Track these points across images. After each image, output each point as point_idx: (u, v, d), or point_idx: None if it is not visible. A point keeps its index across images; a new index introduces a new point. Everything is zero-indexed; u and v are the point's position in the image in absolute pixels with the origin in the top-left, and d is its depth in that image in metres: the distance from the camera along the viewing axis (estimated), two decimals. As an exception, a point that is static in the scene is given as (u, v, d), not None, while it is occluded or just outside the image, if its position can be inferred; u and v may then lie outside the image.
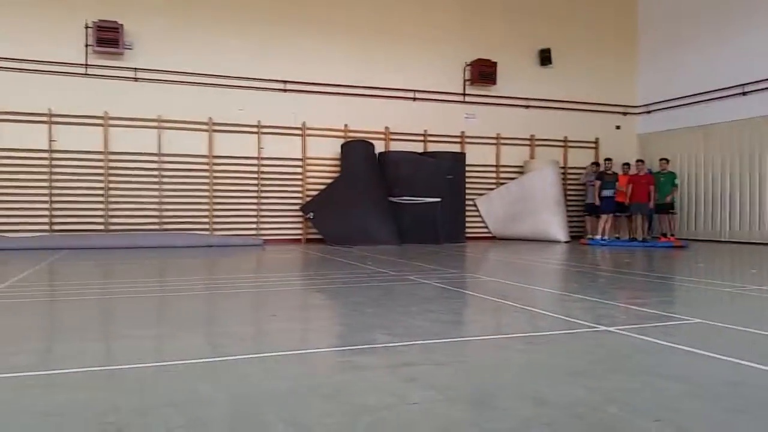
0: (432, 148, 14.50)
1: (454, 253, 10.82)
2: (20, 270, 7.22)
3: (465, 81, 14.96)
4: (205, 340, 3.69)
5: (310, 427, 2.08)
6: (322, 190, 13.24)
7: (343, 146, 13.51)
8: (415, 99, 14.52)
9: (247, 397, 2.41)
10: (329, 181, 13.42)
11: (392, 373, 2.76)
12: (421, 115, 14.54)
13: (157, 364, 2.95)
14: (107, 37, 11.79)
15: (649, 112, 16.26)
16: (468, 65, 14.88)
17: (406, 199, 13.23)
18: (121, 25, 11.92)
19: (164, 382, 2.66)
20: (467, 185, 14.51)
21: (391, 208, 13.13)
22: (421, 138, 14.61)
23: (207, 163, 12.89)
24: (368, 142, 13.65)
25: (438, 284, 6.00)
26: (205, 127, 12.86)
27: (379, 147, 13.92)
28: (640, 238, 13.06)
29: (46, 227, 11.83)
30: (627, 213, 13.63)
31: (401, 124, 14.34)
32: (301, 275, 7.81)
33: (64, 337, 3.76)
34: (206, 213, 12.90)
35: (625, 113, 16.51)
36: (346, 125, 13.90)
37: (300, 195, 13.55)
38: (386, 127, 14.26)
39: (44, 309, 4.97)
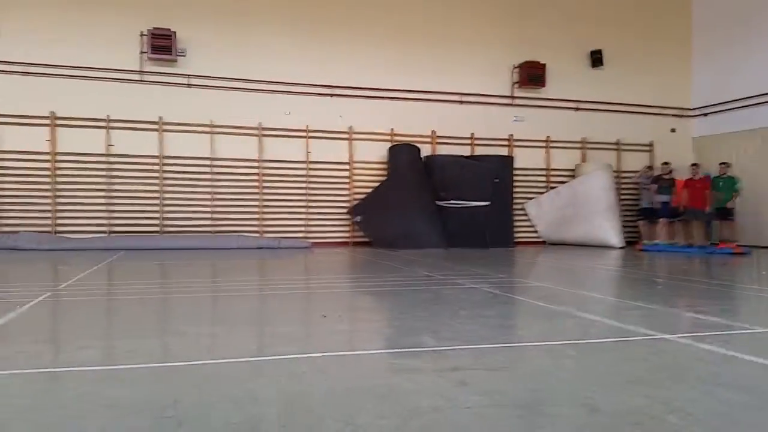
0: (479, 151, 14.41)
1: (502, 257, 10.70)
2: (81, 270, 7.53)
3: (513, 83, 14.81)
4: (258, 339, 3.77)
5: (364, 428, 2.10)
6: (369, 194, 13.31)
7: (389, 150, 13.56)
8: (461, 102, 14.46)
9: (301, 396, 2.45)
10: (376, 184, 13.49)
11: (442, 377, 2.75)
12: (468, 118, 14.46)
13: (213, 362, 3.03)
14: (161, 44, 12.21)
15: (705, 114, 15.70)
16: (516, 68, 14.72)
17: (453, 203, 13.17)
18: (174, 32, 12.32)
19: (220, 379, 2.73)
20: (516, 189, 14.35)
21: (438, 211, 13.10)
22: (468, 141, 14.53)
23: (257, 167, 13.17)
24: (414, 145, 13.66)
25: (487, 289, 5.94)
26: (255, 131, 13.15)
27: (426, 150, 13.93)
28: (698, 245, 12.61)
29: (105, 229, 12.31)
30: (682, 218, 13.20)
31: (448, 128, 14.29)
32: (348, 278, 7.88)
33: (125, 334, 3.90)
34: (256, 216, 13.18)
35: (680, 116, 16.00)
36: (392, 129, 13.95)
37: (347, 198, 13.67)
38: (432, 131, 14.25)
39: (105, 307, 5.17)
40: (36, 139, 11.92)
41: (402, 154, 13.42)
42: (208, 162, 12.89)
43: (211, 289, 6.45)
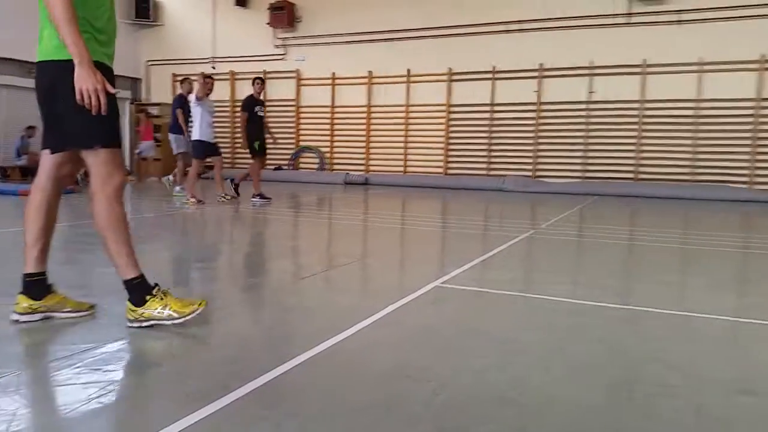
0: None
1: None
2: (557, 212, 8.09)
3: None
4: (743, 299, 3.33)
5: None
6: None
7: None
8: None
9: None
10: None
11: None
12: None
13: (693, 314, 2.82)
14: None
15: None
16: None
17: None
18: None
19: (705, 333, 2.52)
20: None
21: None
22: None
23: (753, 108, 11.33)
24: None
25: None
26: (755, 65, 11.27)
27: None
28: None
29: (579, 174, 12.82)
30: None
31: None
32: None
33: (599, 275, 4.00)
34: (747, 164, 11.46)
35: None
36: None
37: None
38: None
39: (577, 247, 5.43)
40: (525, 91, 13.17)
41: None
42: (692, 104, 11.79)
43: (684, 241, 5.97)
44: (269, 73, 15.51)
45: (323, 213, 7.74)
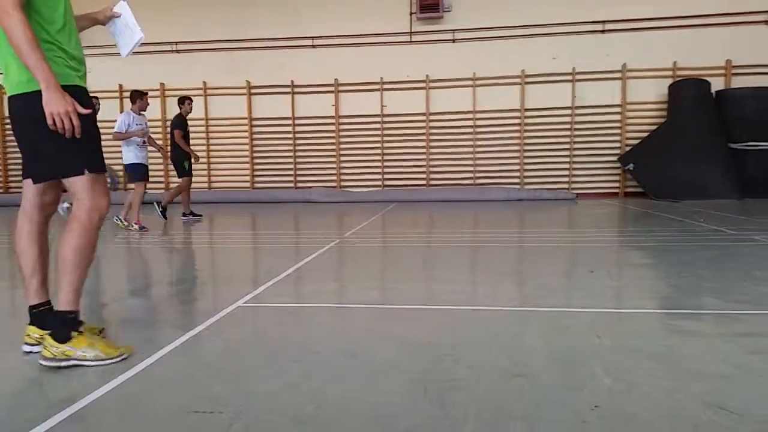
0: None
1: (817, 209, 8.83)
2: (361, 220, 8.44)
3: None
4: (520, 289, 3.79)
5: (638, 385, 1.99)
6: (643, 139, 12.17)
7: (671, 87, 12.11)
8: None
9: (568, 348, 2.42)
10: (653, 128, 12.25)
11: (730, 343, 2.44)
12: (773, 42, 12.04)
13: (479, 308, 3.15)
14: (429, 3, 12.66)
15: None
16: None
17: (751, 145, 11.26)
18: (440, -12, 12.63)
19: (488, 325, 2.83)
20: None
21: (730, 156, 11.35)
22: (775, 70, 12.13)
23: (519, 117, 12.99)
24: (703, 80, 11.93)
25: (794, 246, 4.99)
26: (517, 80, 12.92)
27: (717, 85, 12.05)
28: None
29: (379, 183, 13.54)
30: None
31: (748, 56, 12.10)
32: (619, 231, 7.37)
33: (399, 278, 4.28)
34: (517, 167, 13.08)
35: None
36: (675, 63, 12.38)
37: (618, 145, 12.69)
38: (727, 61, 12.22)
39: (380, 253, 5.73)
40: (323, 105, 13.54)
41: (687, 91, 11.85)
42: (470, 115, 13.14)
43: (472, 239, 6.65)
44: (44, 85, 13.89)
45: (117, 237, 7.14)
